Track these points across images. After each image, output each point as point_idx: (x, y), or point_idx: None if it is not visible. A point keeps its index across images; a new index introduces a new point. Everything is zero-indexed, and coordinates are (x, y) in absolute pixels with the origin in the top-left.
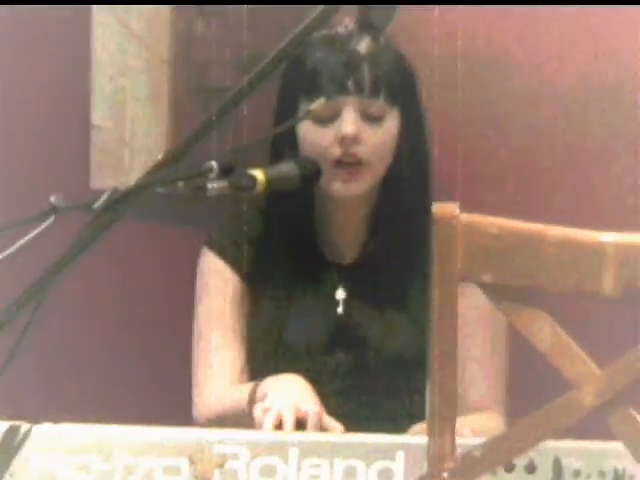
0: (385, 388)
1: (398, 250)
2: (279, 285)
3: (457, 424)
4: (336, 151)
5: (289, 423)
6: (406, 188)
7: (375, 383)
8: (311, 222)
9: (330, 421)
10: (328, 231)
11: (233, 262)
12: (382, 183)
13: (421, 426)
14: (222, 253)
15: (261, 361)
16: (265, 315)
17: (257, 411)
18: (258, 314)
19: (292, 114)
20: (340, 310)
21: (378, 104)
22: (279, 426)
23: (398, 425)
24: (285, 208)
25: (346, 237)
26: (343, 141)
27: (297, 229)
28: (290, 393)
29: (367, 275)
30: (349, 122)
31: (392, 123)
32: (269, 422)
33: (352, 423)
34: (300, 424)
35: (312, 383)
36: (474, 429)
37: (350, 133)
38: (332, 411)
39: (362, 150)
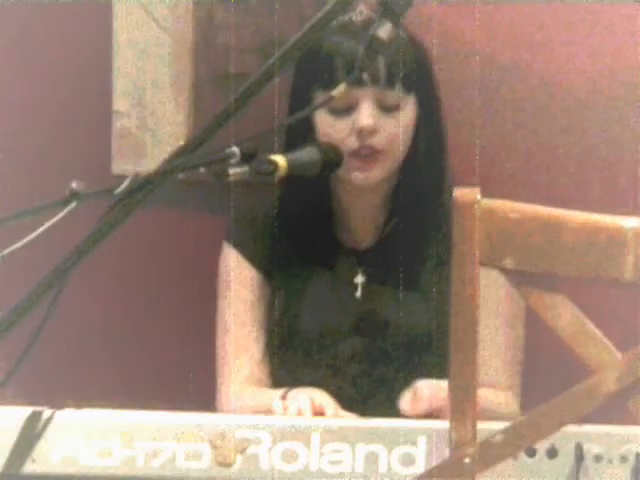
0: (402, 371)
1: (414, 234)
2: (297, 274)
3: None
4: (353, 143)
5: (307, 413)
6: (423, 174)
7: (392, 367)
8: (328, 210)
9: (346, 414)
10: (345, 217)
11: (251, 256)
12: (399, 169)
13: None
14: (240, 248)
15: (280, 348)
16: (284, 303)
17: (277, 408)
18: (277, 303)
19: (307, 102)
20: (359, 295)
21: (394, 94)
22: None
23: None
24: (302, 197)
25: (363, 223)
26: (360, 133)
27: (314, 217)
28: (309, 393)
29: (384, 259)
30: (366, 114)
31: (408, 111)
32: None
33: (369, 407)
34: None
35: (329, 368)
36: (484, 401)
37: (367, 126)
38: (349, 395)
39: (379, 141)
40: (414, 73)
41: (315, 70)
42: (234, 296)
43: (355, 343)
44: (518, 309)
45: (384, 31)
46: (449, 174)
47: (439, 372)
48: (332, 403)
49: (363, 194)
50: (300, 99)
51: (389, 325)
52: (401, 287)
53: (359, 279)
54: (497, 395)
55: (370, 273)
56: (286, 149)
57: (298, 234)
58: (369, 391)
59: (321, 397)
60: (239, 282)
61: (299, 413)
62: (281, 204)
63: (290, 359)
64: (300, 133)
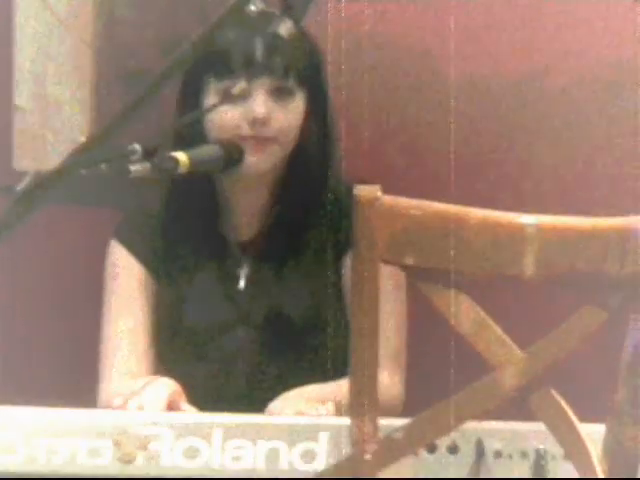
0: (292, 360)
1: (295, 224)
2: (182, 269)
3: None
4: (245, 130)
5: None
6: (308, 167)
7: (282, 356)
8: (211, 204)
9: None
10: (229, 210)
11: (139, 254)
12: (286, 163)
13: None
14: (127, 244)
15: (166, 346)
16: (168, 300)
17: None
18: (163, 300)
19: (199, 91)
20: (242, 286)
21: (288, 85)
22: None
23: None
24: (184, 192)
25: (247, 214)
26: (253, 122)
27: (197, 212)
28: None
29: (267, 250)
30: (260, 104)
31: (300, 103)
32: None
33: (264, 399)
34: None
35: (219, 362)
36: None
37: (260, 115)
38: (242, 388)
39: (271, 129)
40: (307, 68)
41: (209, 60)
42: (120, 292)
43: (242, 335)
44: (394, 283)
45: (285, 28)
46: (336, 169)
47: (327, 356)
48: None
49: (248, 184)
50: (192, 87)
51: (275, 314)
52: (284, 276)
53: (243, 271)
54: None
55: (254, 264)
56: (176, 140)
57: (182, 229)
58: (261, 382)
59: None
60: (126, 280)
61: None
62: (166, 200)
63: (180, 354)
64: (190, 123)
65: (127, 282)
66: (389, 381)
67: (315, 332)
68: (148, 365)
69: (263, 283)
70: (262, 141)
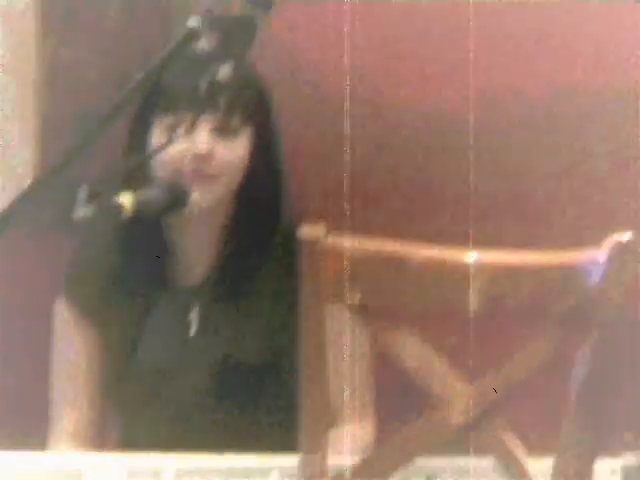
0: (247, 406)
1: (248, 265)
2: (134, 316)
3: None
4: (188, 166)
5: None
6: (257, 204)
7: (237, 402)
8: (161, 249)
9: None
10: (179, 255)
11: (88, 308)
12: (233, 203)
13: None
14: (77, 301)
15: (120, 393)
16: (121, 347)
17: None
18: (115, 348)
19: (146, 126)
20: (193, 331)
21: (232, 122)
22: None
23: (263, 437)
24: (133, 239)
25: (197, 257)
26: (196, 158)
27: (147, 259)
28: None
29: (218, 293)
30: (203, 140)
31: (245, 141)
32: None
33: (217, 444)
34: None
35: (172, 409)
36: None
37: (203, 151)
38: (197, 434)
39: (214, 166)
40: (252, 107)
41: (155, 97)
42: (67, 354)
43: (195, 380)
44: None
45: (230, 67)
46: (287, 207)
47: (282, 399)
48: None
49: (195, 225)
50: (138, 124)
51: (228, 359)
52: (236, 320)
53: (194, 315)
54: (352, 431)
55: (206, 308)
56: (122, 180)
57: (131, 275)
58: (216, 426)
59: None
60: (74, 339)
61: None
62: (113, 245)
63: (135, 401)
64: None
65: (75, 343)
66: (361, 431)
67: (272, 376)
68: (98, 425)
69: (215, 328)
70: (205, 177)
